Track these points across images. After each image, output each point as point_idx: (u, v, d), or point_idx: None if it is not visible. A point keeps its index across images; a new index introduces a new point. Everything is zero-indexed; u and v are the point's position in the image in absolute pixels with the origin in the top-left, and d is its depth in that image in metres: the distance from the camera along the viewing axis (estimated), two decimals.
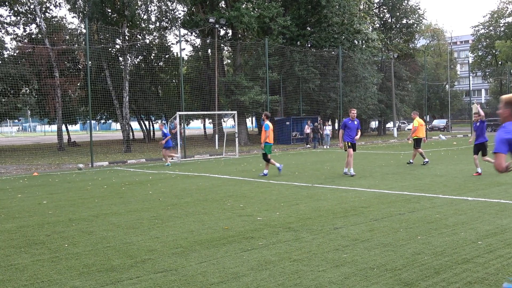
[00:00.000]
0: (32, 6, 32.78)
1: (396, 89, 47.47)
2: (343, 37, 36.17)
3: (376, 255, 5.74)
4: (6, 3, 32.20)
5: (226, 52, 48.81)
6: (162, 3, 36.56)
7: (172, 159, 21.21)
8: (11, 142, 41.41)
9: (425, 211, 8.30)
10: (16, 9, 33.38)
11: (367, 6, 42.51)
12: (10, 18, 33.99)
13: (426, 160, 16.75)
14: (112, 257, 5.97)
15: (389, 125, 59.17)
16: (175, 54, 41.79)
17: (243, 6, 31.54)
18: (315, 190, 11.23)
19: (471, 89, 55.47)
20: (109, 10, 33.23)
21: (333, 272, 5.14)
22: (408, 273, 5.06)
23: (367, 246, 6.12)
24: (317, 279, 4.95)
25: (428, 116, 57.20)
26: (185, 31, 38.30)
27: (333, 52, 36.37)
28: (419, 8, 49.33)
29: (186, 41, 41.95)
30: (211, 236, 6.93)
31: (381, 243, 6.27)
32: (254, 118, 67.95)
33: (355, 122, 14.32)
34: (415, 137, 17.08)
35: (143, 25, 35.68)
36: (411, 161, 17.23)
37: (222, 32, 38.62)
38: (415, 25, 49.75)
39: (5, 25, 33.91)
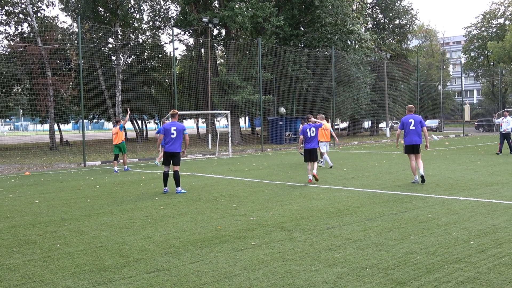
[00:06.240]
0: (23, 6, 32.53)
1: (389, 89, 47.64)
2: (336, 37, 36.22)
3: (369, 254, 5.75)
4: None
5: (220, 52, 48.77)
6: (155, 3, 36.46)
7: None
8: (3, 141, 41.08)
9: (418, 210, 8.34)
10: (7, 8, 33.12)
11: (360, 6, 42.64)
12: (1, 17, 33.74)
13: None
14: (104, 257, 5.95)
15: (382, 125, 59.46)
16: (168, 53, 41.73)
17: (237, 6, 31.51)
18: (308, 190, 11.24)
19: (463, 89, 55.86)
20: (102, 9, 33.10)
21: (325, 272, 5.15)
22: (400, 272, 5.08)
23: (359, 246, 6.14)
24: (310, 278, 4.96)
25: (421, 116, 57.14)
26: (178, 31, 38.23)
27: (326, 52, 36.43)
28: (412, 9, 49.65)
29: (179, 40, 41.89)
30: (204, 235, 6.92)
31: (373, 242, 6.29)
32: (247, 118, 67.93)
33: (411, 120, 11.65)
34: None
35: (136, 24, 35.56)
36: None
37: (216, 32, 38.57)
38: (408, 25, 50.04)
39: None
